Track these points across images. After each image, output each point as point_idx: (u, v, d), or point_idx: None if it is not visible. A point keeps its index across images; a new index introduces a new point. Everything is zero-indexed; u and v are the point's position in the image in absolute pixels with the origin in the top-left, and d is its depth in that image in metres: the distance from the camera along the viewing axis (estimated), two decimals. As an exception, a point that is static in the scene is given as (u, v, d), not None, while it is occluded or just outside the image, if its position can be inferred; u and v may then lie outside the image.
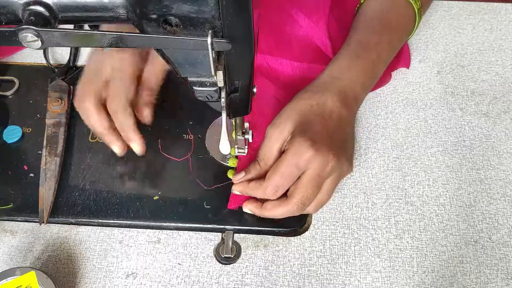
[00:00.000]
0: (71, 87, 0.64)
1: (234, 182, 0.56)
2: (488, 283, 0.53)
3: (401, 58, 0.69)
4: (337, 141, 0.54)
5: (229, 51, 0.37)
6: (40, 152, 0.61)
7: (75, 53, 0.68)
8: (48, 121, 0.61)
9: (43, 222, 0.55)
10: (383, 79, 0.66)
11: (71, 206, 0.57)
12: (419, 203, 0.58)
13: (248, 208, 0.56)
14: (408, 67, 0.68)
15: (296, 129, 0.53)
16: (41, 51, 0.69)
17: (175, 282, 0.53)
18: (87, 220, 0.56)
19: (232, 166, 0.59)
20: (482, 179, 0.59)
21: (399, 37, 0.65)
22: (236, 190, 0.56)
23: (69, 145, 0.61)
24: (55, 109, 0.62)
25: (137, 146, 0.58)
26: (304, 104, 0.56)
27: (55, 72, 0.66)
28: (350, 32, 0.65)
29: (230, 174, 0.59)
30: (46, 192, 0.57)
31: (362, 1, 0.66)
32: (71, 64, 0.68)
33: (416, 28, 0.66)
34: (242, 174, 0.56)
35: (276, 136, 0.54)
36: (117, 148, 0.58)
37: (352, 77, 0.59)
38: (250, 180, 0.55)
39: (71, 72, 0.67)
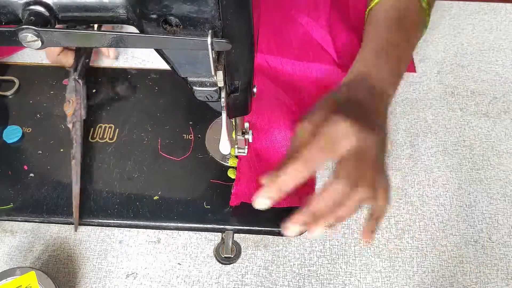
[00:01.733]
0: (80, 82, 0.64)
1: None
2: (488, 283, 0.53)
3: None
4: (372, 123, 0.49)
5: (229, 51, 0.37)
6: (40, 152, 0.61)
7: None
8: (70, 125, 0.62)
9: (77, 227, 0.56)
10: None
11: (71, 206, 0.57)
12: (419, 203, 0.58)
13: (262, 195, 0.46)
14: (415, 71, 0.68)
15: (328, 114, 0.48)
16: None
17: (175, 282, 0.53)
18: (87, 220, 0.56)
19: (232, 166, 0.59)
20: (482, 179, 0.59)
21: (416, 34, 0.63)
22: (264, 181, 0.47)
23: (69, 145, 0.61)
24: (68, 111, 0.62)
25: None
26: (333, 101, 0.51)
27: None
28: (369, 28, 0.61)
29: (231, 173, 0.59)
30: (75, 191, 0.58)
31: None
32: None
33: (427, 26, 0.65)
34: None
35: (308, 123, 0.49)
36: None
37: (380, 74, 0.55)
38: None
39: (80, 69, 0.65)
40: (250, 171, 0.58)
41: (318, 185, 0.59)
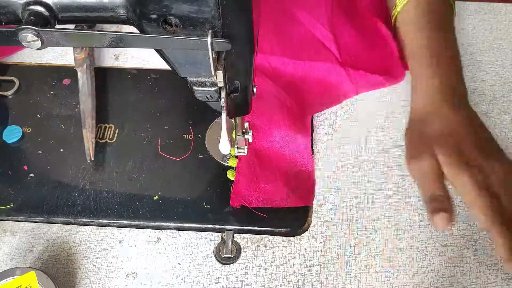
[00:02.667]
0: None
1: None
2: (488, 283, 0.53)
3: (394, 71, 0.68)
4: (475, 143, 0.51)
5: (229, 51, 0.37)
6: (40, 152, 0.61)
7: None
8: (78, 69, 0.65)
9: (91, 159, 0.60)
10: (397, 75, 0.65)
11: (71, 206, 0.57)
12: (419, 203, 0.58)
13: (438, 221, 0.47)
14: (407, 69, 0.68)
15: (434, 153, 0.51)
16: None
17: (175, 282, 0.53)
18: (87, 220, 0.56)
19: (232, 166, 0.59)
20: (482, 179, 0.59)
21: (452, 30, 0.63)
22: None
23: (69, 145, 0.62)
24: (79, 56, 0.66)
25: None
26: (418, 126, 0.54)
27: None
28: (411, 29, 0.61)
29: (230, 174, 0.59)
30: (88, 131, 0.61)
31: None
32: None
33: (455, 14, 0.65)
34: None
35: (424, 170, 0.51)
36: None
37: (445, 75, 0.56)
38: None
39: None
40: (249, 172, 0.58)
41: (317, 185, 0.59)
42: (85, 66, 0.66)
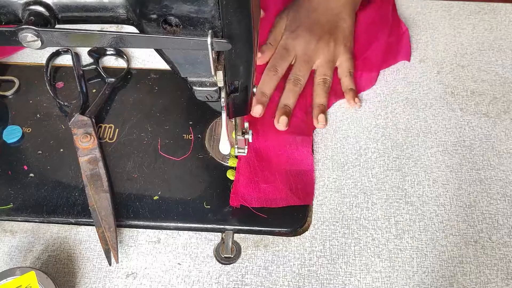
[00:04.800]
0: (93, 120, 0.62)
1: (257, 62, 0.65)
2: (488, 283, 0.53)
3: (401, 50, 0.69)
4: (322, 27, 0.66)
5: (229, 51, 0.37)
6: (40, 152, 0.61)
7: (86, 91, 0.66)
8: (82, 159, 0.59)
9: (116, 262, 0.53)
10: (369, 80, 0.66)
11: (71, 206, 0.57)
12: (419, 203, 0.58)
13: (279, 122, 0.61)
14: (409, 60, 0.68)
15: (287, 23, 0.68)
16: (44, 56, 0.69)
17: (175, 282, 0.53)
18: (87, 220, 0.56)
19: (232, 166, 0.59)
20: (482, 179, 0.59)
21: None
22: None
23: (69, 145, 0.61)
24: (85, 146, 0.60)
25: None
26: (298, 2, 0.69)
27: (69, 107, 0.64)
28: None
29: (229, 174, 0.59)
30: (108, 231, 0.54)
31: None
32: (83, 99, 0.64)
33: None
34: (259, 55, 0.66)
35: (278, 27, 0.69)
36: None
37: None
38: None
39: (87, 107, 0.64)
40: (249, 172, 0.58)
41: (317, 185, 0.59)
42: (94, 157, 0.59)
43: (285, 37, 0.67)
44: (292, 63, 0.66)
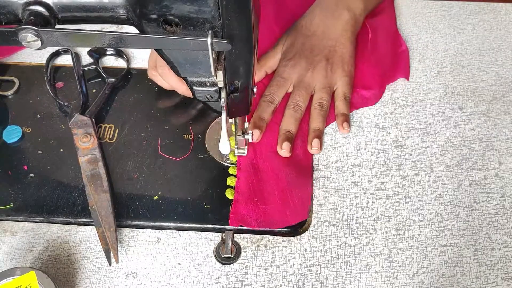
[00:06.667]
0: (93, 120, 0.62)
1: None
2: (488, 283, 0.53)
3: (400, 68, 0.68)
4: (319, 54, 0.65)
5: (229, 51, 0.37)
6: (40, 152, 0.61)
7: (86, 91, 0.66)
8: (82, 159, 0.59)
9: (116, 262, 0.53)
10: (369, 98, 0.66)
11: (71, 206, 0.57)
12: (419, 203, 0.58)
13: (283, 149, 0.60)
14: (407, 79, 0.67)
15: (284, 50, 0.67)
16: (44, 56, 0.69)
17: (175, 282, 0.53)
18: (87, 220, 0.56)
19: (233, 163, 0.59)
20: (482, 179, 0.59)
21: None
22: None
23: (69, 145, 0.61)
24: (85, 146, 0.60)
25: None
26: (295, 26, 0.69)
27: (69, 107, 0.64)
28: None
29: (228, 194, 0.58)
30: (108, 231, 0.54)
31: None
32: (83, 99, 0.64)
33: None
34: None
35: (273, 54, 0.68)
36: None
37: None
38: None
39: (87, 107, 0.64)
40: (248, 192, 0.57)
41: (317, 185, 0.59)
42: (94, 157, 0.60)
43: (282, 65, 0.66)
44: (289, 90, 0.65)
